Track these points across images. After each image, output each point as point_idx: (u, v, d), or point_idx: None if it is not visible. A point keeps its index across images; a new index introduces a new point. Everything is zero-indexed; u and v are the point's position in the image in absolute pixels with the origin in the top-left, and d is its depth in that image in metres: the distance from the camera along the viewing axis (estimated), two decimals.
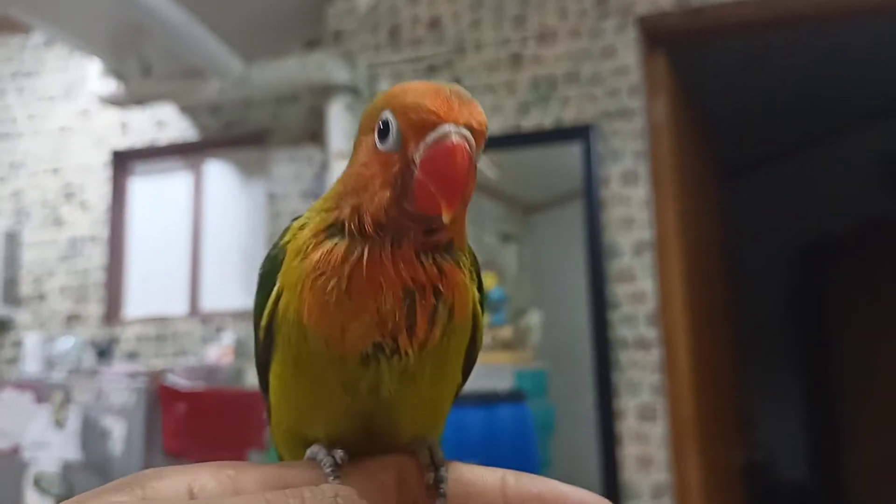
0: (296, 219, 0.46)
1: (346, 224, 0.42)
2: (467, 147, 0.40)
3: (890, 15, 2.90)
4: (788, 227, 4.99)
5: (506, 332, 3.59)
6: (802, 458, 4.98)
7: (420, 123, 0.40)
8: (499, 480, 0.42)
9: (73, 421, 2.16)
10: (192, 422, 2.30)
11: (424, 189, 0.40)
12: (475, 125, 0.40)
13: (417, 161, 0.40)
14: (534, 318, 3.75)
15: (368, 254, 0.41)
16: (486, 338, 3.53)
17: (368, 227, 0.41)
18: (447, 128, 0.40)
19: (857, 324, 4.55)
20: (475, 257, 0.47)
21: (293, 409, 0.45)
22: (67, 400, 2.18)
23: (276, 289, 0.44)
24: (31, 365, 2.58)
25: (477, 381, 2.44)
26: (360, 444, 0.42)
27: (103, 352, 2.68)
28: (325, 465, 0.40)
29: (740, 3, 2.66)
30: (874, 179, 4.77)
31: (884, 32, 3.30)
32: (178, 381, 2.45)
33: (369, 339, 0.41)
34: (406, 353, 0.41)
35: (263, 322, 0.46)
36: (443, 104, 0.40)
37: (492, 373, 3.29)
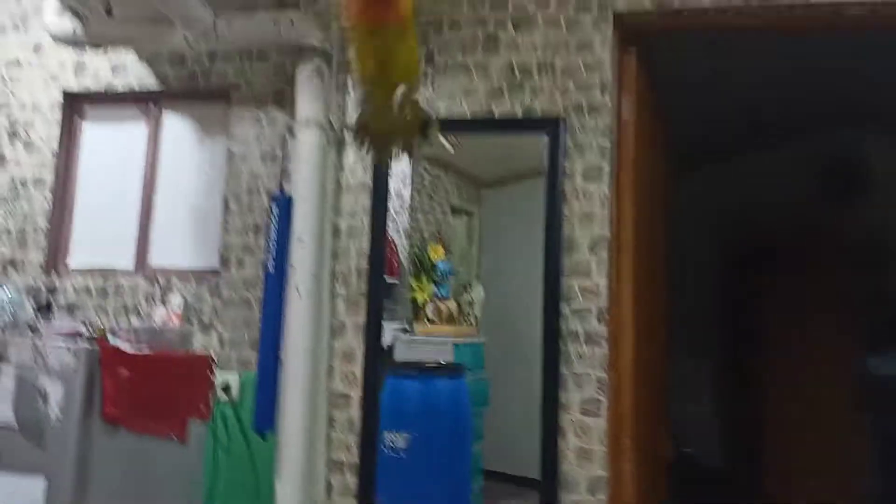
0: None
1: None
2: None
3: (840, 34, 2.95)
4: (722, 228, 5.15)
5: (449, 306, 3.62)
6: (723, 451, 5.20)
7: None
8: None
9: (7, 381, 2.08)
10: (133, 387, 2.24)
11: None
12: None
13: None
14: (478, 293, 3.78)
15: None
16: (429, 310, 3.53)
17: None
18: None
19: (784, 326, 4.77)
20: None
21: None
22: (1, 359, 2.10)
23: None
24: None
25: (417, 353, 2.45)
26: None
27: (43, 307, 2.58)
28: None
29: (721, 10, 2.66)
30: (811, 188, 4.96)
31: (835, 48, 3.38)
32: (122, 343, 2.38)
33: None
34: None
35: None
36: None
37: (432, 345, 3.31)
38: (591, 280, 2.63)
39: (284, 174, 3.06)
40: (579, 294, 2.62)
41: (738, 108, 4.39)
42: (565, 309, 2.62)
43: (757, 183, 5.04)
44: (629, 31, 2.79)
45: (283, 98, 3.20)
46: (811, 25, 2.69)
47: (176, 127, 3.46)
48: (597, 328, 2.60)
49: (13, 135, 3.50)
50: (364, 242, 2.84)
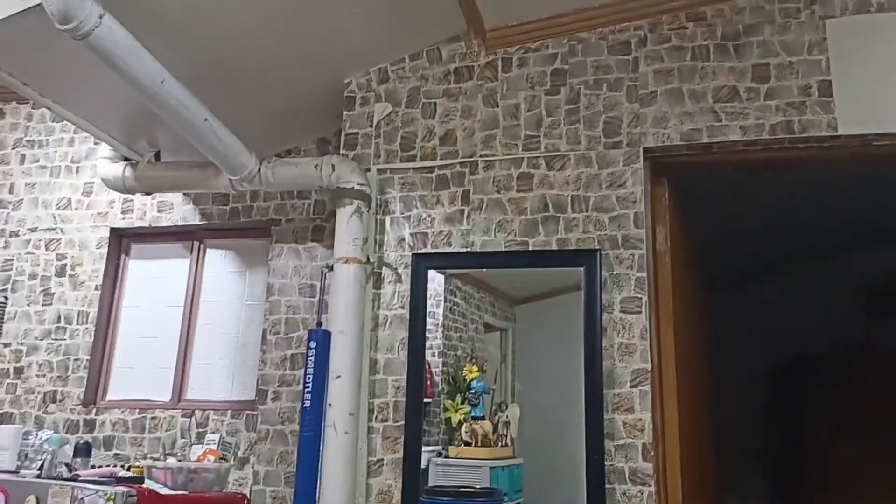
0: None
1: None
2: None
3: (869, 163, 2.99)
4: (765, 346, 5.08)
5: (485, 426, 3.52)
6: None
7: None
8: None
9: None
10: None
11: None
12: None
13: None
14: (513, 412, 3.69)
15: None
16: (463, 431, 3.47)
17: None
18: None
19: (833, 441, 4.62)
20: None
21: None
22: None
23: None
24: (3, 460, 2.48)
25: (452, 477, 2.36)
26: None
27: (81, 447, 2.58)
28: None
29: (749, 142, 2.72)
30: (849, 304, 4.92)
31: (864, 173, 3.43)
32: (159, 485, 2.35)
33: None
34: None
35: None
36: None
37: (468, 468, 3.21)
38: (634, 415, 2.56)
39: (322, 307, 3.10)
40: (623, 430, 2.56)
41: (771, 228, 4.42)
42: (609, 445, 2.55)
43: (794, 301, 5.02)
44: (660, 165, 2.85)
45: (322, 233, 3.30)
46: (840, 157, 2.73)
47: (217, 261, 3.55)
48: (642, 466, 2.51)
49: (61, 271, 3.62)
50: (401, 377, 2.82)
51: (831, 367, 4.77)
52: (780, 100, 2.71)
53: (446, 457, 3.29)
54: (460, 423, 3.49)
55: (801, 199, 3.99)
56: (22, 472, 2.45)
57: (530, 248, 2.81)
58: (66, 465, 2.54)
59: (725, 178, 3.63)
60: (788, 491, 4.98)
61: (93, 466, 2.55)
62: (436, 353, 3.43)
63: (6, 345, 3.55)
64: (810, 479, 4.77)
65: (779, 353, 5.09)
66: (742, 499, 4.77)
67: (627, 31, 2.90)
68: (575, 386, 2.64)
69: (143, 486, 2.26)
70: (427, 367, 3.25)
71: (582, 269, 2.73)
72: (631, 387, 2.59)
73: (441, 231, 2.91)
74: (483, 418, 3.58)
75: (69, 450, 2.61)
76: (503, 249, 2.84)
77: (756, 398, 5.18)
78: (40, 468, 2.44)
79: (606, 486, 2.51)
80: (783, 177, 3.58)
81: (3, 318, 3.59)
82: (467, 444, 3.45)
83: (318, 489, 2.63)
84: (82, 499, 2.09)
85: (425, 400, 3.12)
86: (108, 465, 2.60)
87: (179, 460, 2.58)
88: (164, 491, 2.31)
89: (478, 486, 3.15)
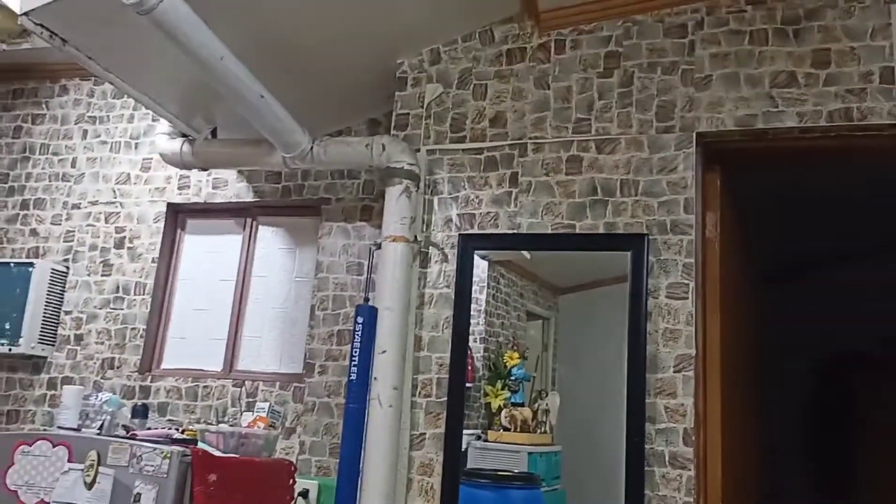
0: None
1: None
2: None
3: None
4: (814, 341, 4.99)
5: (524, 413, 3.55)
6: None
7: None
8: None
9: (104, 483, 2.16)
10: (221, 490, 2.28)
11: None
12: None
13: None
14: (553, 400, 3.71)
15: None
16: (503, 417, 3.50)
17: None
18: None
19: (879, 435, 4.55)
20: None
21: None
22: (100, 461, 2.18)
23: None
24: (66, 418, 2.60)
25: (490, 461, 2.41)
26: None
27: (139, 412, 2.70)
28: None
29: (806, 129, 2.68)
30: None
31: None
32: (211, 447, 2.44)
33: None
34: None
35: None
36: None
37: (506, 453, 3.25)
38: (676, 400, 2.56)
39: (369, 284, 3.16)
40: (664, 414, 2.56)
41: (823, 221, 4.33)
42: (650, 429, 2.55)
43: (844, 296, 4.91)
44: (713, 151, 2.82)
45: (371, 213, 3.36)
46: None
47: (269, 237, 3.64)
48: (683, 450, 2.51)
49: (119, 244, 3.75)
50: (445, 354, 2.87)
51: (882, 364, 4.67)
52: (840, 86, 2.66)
53: (485, 441, 3.33)
54: (500, 409, 3.53)
55: (858, 189, 3.90)
56: (83, 430, 2.57)
57: (577, 232, 2.82)
58: (124, 426, 2.65)
59: (779, 167, 3.56)
60: (834, 488, 4.90)
61: (148, 428, 2.65)
62: (477, 339, 3.46)
63: (67, 312, 3.70)
64: (859, 476, 4.68)
65: (828, 348, 4.99)
66: (784, 493, 4.71)
67: (684, 13, 2.87)
68: (616, 377, 2.65)
69: (197, 447, 2.35)
70: (469, 352, 3.29)
71: (629, 253, 2.72)
72: (674, 372, 2.59)
73: (488, 212, 2.94)
74: (523, 405, 3.61)
75: (127, 411, 2.73)
76: (550, 232, 2.85)
77: (803, 393, 5.10)
78: (100, 427, 2.56)
79: (646, 468, 2.52)
80: (839, 166, 3.50)
81: (64, 287, 3.74)
82: (506, 429, 3.49)
83: (362, 459, 2.70)
84: (140, 455, 2.19)
85: (466, 384, 3.17)
86: (163, 428, 2.71)
87: (231, 426, 2.67)
88: (217, 453, 2.40)
89: (516, 471, 3.19)
